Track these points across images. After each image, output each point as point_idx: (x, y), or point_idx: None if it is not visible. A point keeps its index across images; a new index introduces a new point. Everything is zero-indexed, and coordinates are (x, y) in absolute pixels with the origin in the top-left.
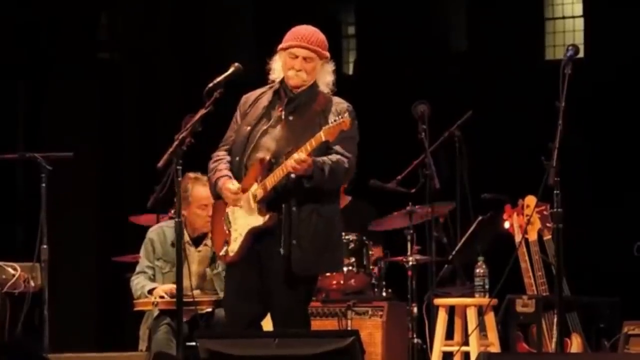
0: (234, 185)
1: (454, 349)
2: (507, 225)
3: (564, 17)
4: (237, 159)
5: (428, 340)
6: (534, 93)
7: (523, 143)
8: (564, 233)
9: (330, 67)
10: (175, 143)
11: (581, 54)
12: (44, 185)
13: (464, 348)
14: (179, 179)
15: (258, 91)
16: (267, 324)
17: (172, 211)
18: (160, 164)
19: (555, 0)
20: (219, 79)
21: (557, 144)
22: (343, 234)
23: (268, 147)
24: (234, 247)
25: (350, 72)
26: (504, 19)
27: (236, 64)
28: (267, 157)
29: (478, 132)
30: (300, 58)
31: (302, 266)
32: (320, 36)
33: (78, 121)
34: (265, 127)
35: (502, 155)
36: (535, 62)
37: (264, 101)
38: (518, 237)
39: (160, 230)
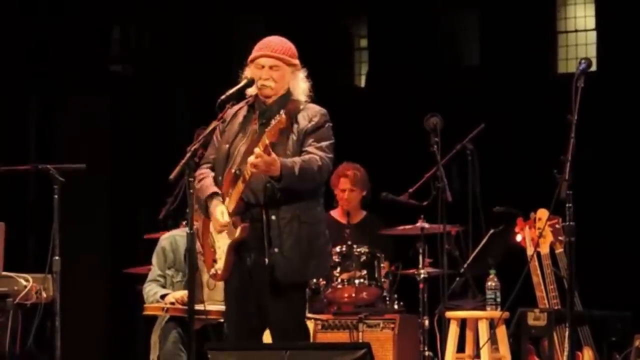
0: (223, 217)
1: None
2: (519, 238)
3: (576, 31)
4: (220, 178)
5: (439, 353)
6: (546, 106)
7: (535, 156)
8: (575, 246)
9: (302, 74)
10: (187, 155)
11: (594, 67)
12: (56, 196)
13: None
14: (191, 191)
15: (235, 107)
16: (266, 337)
17: (184, 223)
18: (172, 176)
19: (568, 13)
20: (230, 91)
21: (569, 157)
22: (355, 246)
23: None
24: (220, 265)
25: (363, 84)
26: (516, 32)
27: (248, 77)
28: (233, 170)
29: (490, 145)
30: (266, 67)
31: (287, 274)
32: (287, 44)
33: (90, 133)
34: (242, 143)
35: (514, 169)
36: (548, 76)
37: (240, 117)
38: (530, 251)
39: (173, 239)
